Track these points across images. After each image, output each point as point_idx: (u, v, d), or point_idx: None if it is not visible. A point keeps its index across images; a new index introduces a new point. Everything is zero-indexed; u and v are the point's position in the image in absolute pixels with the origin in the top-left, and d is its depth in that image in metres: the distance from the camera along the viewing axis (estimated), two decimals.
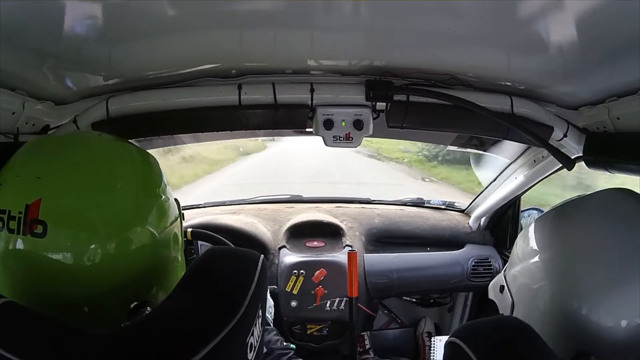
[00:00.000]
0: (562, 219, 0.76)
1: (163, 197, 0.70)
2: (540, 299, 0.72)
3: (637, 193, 0.72)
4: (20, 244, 0.58)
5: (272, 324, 1.21)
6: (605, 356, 0.63)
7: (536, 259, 0.74)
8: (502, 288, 0.85)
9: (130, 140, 1.10)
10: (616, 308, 0.63)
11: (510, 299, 0.81)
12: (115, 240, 0.61)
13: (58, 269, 0.59)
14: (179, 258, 0.76)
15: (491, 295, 0.94)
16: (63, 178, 0.61)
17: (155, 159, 0.73)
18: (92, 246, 0.60)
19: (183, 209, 0.79)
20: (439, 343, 1.60)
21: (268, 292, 1.28)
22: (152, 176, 0.70)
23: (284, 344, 1.13)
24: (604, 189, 0.76)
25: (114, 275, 0.62)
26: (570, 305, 0.66)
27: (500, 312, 0.87)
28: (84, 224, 0.60)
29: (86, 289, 0.61)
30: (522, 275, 0.78)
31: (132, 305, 0.64)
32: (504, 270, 0.88)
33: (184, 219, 0.80)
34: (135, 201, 0.65)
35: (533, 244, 0.77)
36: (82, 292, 0.61)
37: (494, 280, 0.92)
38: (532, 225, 0.80)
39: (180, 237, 0.76)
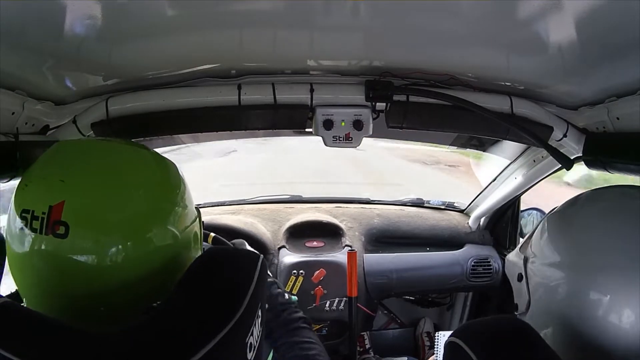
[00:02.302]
0: (577, 216, 0.75)
1: (183, 199, 0.72)
2: (557, 300, 0.71)
3: None
4: (42, 244, 0.60)
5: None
6: None
7: (554, 258, 0.74)
8: (520, 277, 0.84)
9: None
10: (636, 308, 0.62)
11: (528, 296, 0.80)
12: (137, 240, 0.63)
13: (79, 268, 0.60)
14: None
15: (508, 273, 0.93)
16: (86, 182, 0.63)
17: (173, 163, 0.75)
18: (114, 247, 0.61)
19: None
20: (442, 338, 1.60)
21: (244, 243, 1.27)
22: (170, 180, 0.72)
23: (286, 297, 1.06)
24: (614, 185, 0.76)
25: (136, 275, 0.63)
26: (588, 307, 0.65)
27: (515, 300, 0.86)
28: (105, 226, 0.61)
29: (107, 288, 0.62)
30: (540, 272, 0.77)
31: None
32: (524, 253, 0.85)
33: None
34: (155, 203, 0.67)
35: (550, 243, 0.76)
36: (102, 291, 0.62)
37: (513, 259, 0.90)
38: (547, 222, 0.79)
39: (200, 237, 0.78)
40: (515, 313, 0.84)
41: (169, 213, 0.69)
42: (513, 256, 0.92)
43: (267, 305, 0.97)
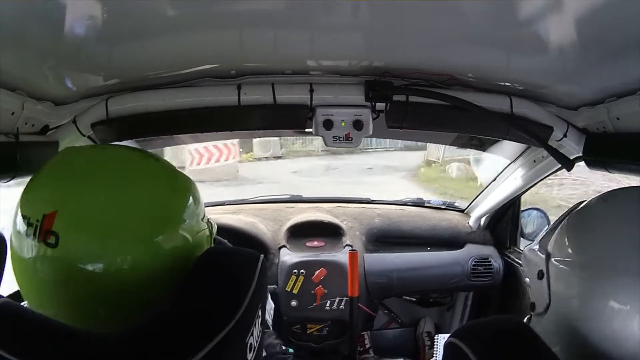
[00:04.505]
0: (604, 215, 0.71)
1: (193, 203, 0.71)
2: (578, 306, 0.66)
3: None
4: (36, 250, 0.60)
5: (271, 327, 1.21)
6: None
7: (579, 259, 0.69)
8: (541, 274, 0.78)
9: (130, 140, 1.11)
10: None
11: (548, 297, 0.74)
12: (142, 247, 0.62)
13: (74, 275, 0.60)
14: None
15: (525, 269, 0.87)
16: (84, 191, 0.62)
17: (182, 172, 0.74)
18: (111, 255, 0.60)
19: None
20: (442, 341, 1.61)
21: (269, 296, 1.28)
22: (177, 185, 0.71)
23: (283, 348, 1.13)
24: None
25: (142, 280, 0.62)
26: (608, 317, 0.61)
27: (532, 299, 0.81)
28: (101, 234, 0.61)
29: (108, 294, 0.62)
30: (563, 273, 0.72)
31: None
32: (545, 248, 0.79)
33: None
34: (162, 208, 0.66)
35: (574, 241, 0.72)
36: (104, 296, 0.62)
37: (532, 254, 0.84)
38: (573, 218, 0.75)
39: (211, 239, 0.77)
40: (531, 313, 0.80)
41: (178, 218, 0.67)
42: (532, 251, 0.85)
43: (264, 353, 1.01)
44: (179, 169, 0.73)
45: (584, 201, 0.78)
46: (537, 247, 0.84)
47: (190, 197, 0.71)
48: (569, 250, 0.72)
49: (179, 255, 0.66)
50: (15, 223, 0.63)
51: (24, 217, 0.62)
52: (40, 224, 0.60)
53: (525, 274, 0.86)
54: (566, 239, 0.74)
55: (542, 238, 0.84)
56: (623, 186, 0.74)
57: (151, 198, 0.65)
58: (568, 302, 0.69)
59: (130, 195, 0.64)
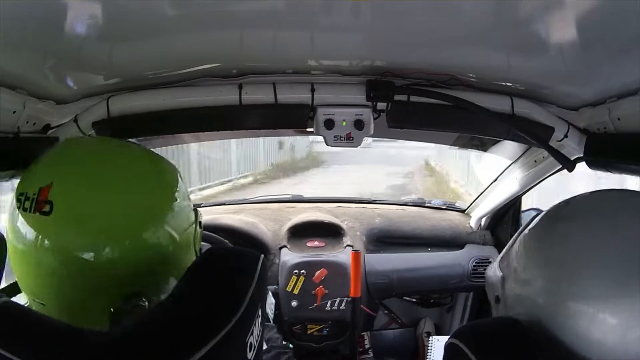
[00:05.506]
0: (555, 226, 0.67)
1: (178, 199, 0.73)
2: (536, 322, 0.63)
3: (636, 192, 0.66)
4: (30, 221, 0.64)
5: (272, 322, 1.23)
6: None
7: (531, 284, 0.65)
8: (497, 299, 0.75)
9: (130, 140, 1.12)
10: (625, 320, 0.55)
11: None
12: (129, 237, 0.65)
13: (67, 253, 0.63)
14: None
15: (487, 292, 0.84)
16: (77, 172, 0.67)
17: (171, 164, 0.77)
18: (99, 241, 0.64)
19: None
20: (437, 343, 1.60)
21: (270, 292, 1.29)
22: (166, 181, 0.74)
23: (283, 342, 1.15)
24: (598, 189, 0.69)
25: (129, 270, 0.64)
26: (571, 328, 0.58)
27: None
28: (95, 218, 0.64)
29: (99, 281, 0.64)
30: (516, 297, 0.68)
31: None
32: (502, 269, 0.76)
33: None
34: (149, 203, 0.69)
35: (526, 262, 0.68)
36: (94, 283, 0.64)
37: (492, 277, 0.80)
38: (526, 236, 0.70)
39: (198, 238, 0.79)
40: None
41: (165, 213, 0.70)
42: (492, 273, 0.81)
43: (265, 346, 1.05)
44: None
45: (539, 213, 0.73)
46: (496, 267, 0.80)
47: (177, 193, 0.73)
48: (525, 272, 0.67)
49: (166, 252, 0.69)
50: (12, 210, 0.66)
51: (20, 194, 0.65)
52: (37, 195, 0.63)
53: (488, 295, 0.82)
54: (521, 260, 0.69)
55: (501, 258, 0.80)
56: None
57: (140, 190, 0.69)
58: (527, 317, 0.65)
59: (119, 186, 0.67)
